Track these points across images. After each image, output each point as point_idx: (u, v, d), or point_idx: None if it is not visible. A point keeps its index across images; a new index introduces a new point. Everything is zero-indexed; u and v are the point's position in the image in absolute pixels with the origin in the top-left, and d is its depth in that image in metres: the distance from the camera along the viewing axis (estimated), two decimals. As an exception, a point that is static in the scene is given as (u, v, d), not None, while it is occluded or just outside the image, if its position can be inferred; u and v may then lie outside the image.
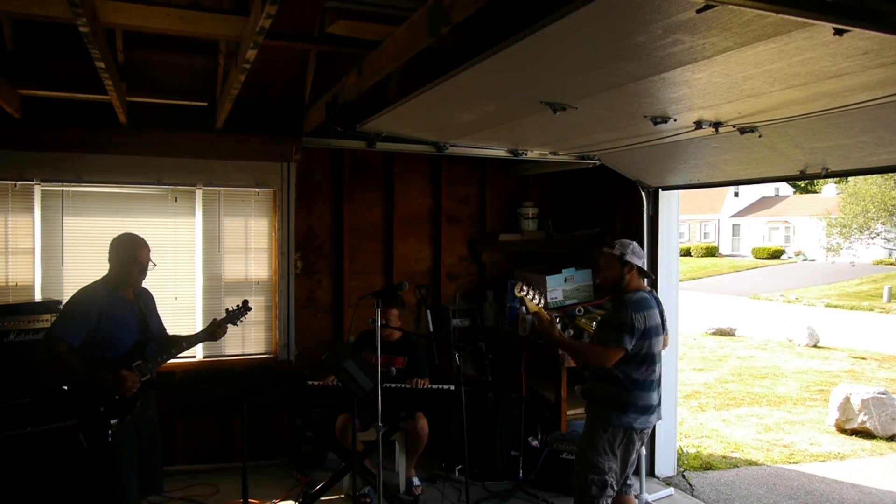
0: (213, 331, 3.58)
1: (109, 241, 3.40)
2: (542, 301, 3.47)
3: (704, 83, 2.75)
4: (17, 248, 4.71)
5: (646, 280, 3.54)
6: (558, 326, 3.51)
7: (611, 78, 2.76)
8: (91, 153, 4.78)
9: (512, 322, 5.76)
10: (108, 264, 3.39)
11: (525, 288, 3.47)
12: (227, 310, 3.68)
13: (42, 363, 3.23)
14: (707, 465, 5.82)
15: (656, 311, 3.42)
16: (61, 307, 3.31)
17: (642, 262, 3.47)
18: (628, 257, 3.42)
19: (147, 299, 3.54)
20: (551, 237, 6.13)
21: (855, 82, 2.63)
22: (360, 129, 4.52)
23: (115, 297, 3.31)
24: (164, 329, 3.64)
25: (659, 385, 3.46)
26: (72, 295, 3.32)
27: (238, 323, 3.69)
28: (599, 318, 3.56)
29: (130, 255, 3.35)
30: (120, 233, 3.45)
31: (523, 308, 3.50)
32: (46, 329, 3.22)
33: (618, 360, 3.28)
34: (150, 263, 3.44)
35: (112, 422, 3.16)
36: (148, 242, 3.46)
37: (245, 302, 3.71)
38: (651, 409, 3.40)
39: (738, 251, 40.54)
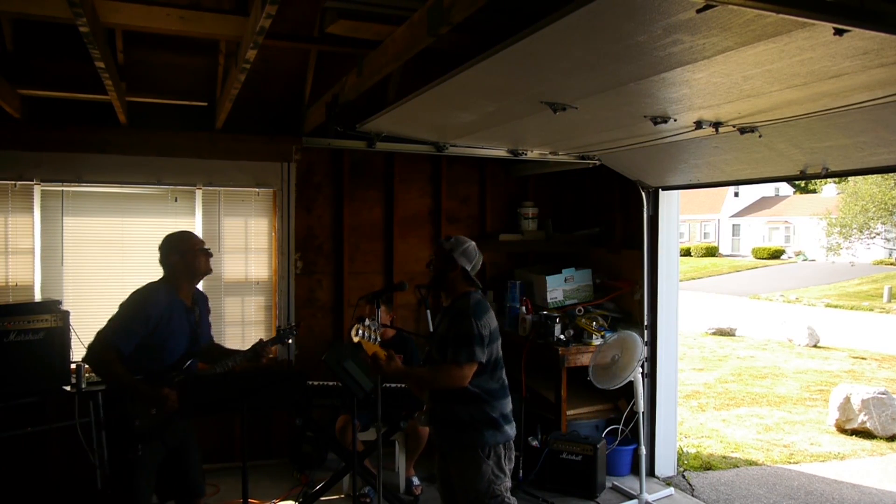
0: (259, 353, 3.40)
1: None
2: (376, 336, 3.18)
3: (704, 83, 2.75)
4: (17, 248, 4.71)
5: (473, 286, 3.19)
6: (396, 359, 3.10)
7: (611, 78, 2.76)
8: (91, 153, 4.78)
9: (512, 322, 5.76)
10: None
11: (360, 330, 3.15)
12: (277, 328, 3.55)
13: (90, 363, 3.11)
14: (707, 465, 5.82)
15: (492, 312, 3.15)
16: (120, 304, 3.08)
17: (471, 266, 3.15)
18: (456, 256, 3.12)
19: (203, 306, 3.37)
20: (551, 237, 6.14)
21: (855, 82, 2.63)
22: (360, 129, 4.53)
23: (174, 303, 3.13)
24: (212, 336, 3.46)
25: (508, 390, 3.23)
26: (132, 294, 3.10)
27: (287, 342, 3.51)
28: (441, 331, 3.14)
29: (190, 245, 3.22)
30: (168, 234, 3.27)
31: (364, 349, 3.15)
32: (101, 328, 3.00)
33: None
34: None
35: (140, 445, 3.03)
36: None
37: (298, 322, 3.59)
38: (512, 415, 3.17)
39: (738, 251, 40.54)
